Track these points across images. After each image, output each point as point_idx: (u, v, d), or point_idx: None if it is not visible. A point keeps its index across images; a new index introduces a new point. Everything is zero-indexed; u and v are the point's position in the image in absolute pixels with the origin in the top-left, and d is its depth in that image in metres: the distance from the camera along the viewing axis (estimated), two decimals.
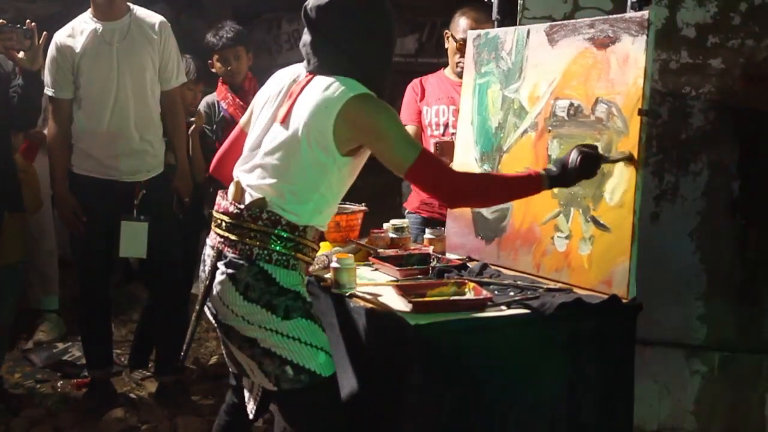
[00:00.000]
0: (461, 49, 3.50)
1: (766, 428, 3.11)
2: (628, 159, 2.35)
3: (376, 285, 2.55)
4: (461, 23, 3.57)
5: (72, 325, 4.39)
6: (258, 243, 2.22)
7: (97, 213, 3.62)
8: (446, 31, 3.68)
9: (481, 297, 2.29)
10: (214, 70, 4.12)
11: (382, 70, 2.31)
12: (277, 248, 2.22)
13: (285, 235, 2.22)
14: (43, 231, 4.54)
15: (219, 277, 2.26)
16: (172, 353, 3.65)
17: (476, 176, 2.52)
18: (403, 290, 2.34)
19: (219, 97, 4.09)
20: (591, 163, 2.30)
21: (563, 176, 2.29)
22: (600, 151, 2.35)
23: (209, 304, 2.32)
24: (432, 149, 3.51)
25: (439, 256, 2.83)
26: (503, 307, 2.28)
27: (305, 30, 2.31)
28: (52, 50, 3.57)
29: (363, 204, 3.14)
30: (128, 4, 3.65)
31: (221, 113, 4.05)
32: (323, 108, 2.19)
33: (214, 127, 4.06)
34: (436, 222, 3.31)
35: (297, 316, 2.22)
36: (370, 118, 2.20)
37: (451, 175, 2.29)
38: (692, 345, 3.11)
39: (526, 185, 2.33)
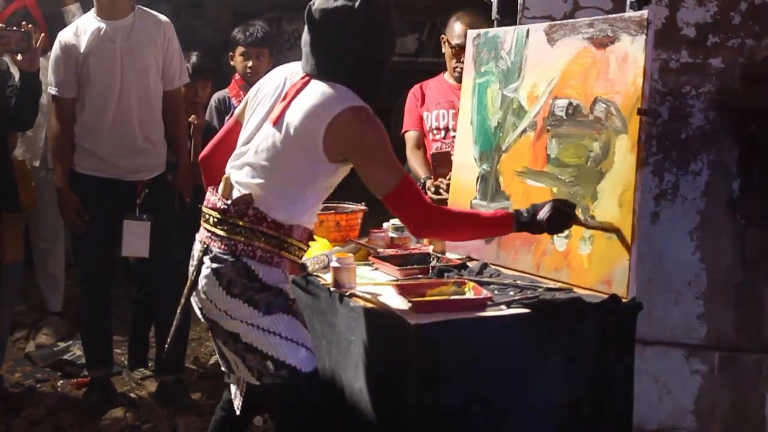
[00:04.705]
0: (457, 54, 3.52)
1: (766, 428, 3.11)
2: (606, 230, 2.37)
3: (376, 284, 2.55)
4: (456, 28, 3.56)
5: (73, 325, 4.38)
6: (243, 239, 2.23)
7: (99, 212, 3.61)
8: (442, 36, 3.67)
9: (481, 296, 2.29)
10: (232, 63, 4.08)
11: (377, 78, 2.31)
12: (262, 245, 2.23)
13: (270, 233, 2.23)
14: (53, 232, 4.52)
15: (204, 271, 2.28)
16: (172, 353, 3.64)
17: (449, 213, 2.46)
18: (403, 290, 2.34)
19: (231, 94, 4.06)
20: (560, 222, 2.33)
21: (531, 224, 2.32)
22: (579, 212, 2.39)
23: (195, 298, 2.34)
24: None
25: (439, 255, 2.83)
26: (503, 307, 2.28)
27: (306, 29, 2.31)
28: (56, 49, 3.57)
29: (363, 204, 3.15)
30: (132, 3, 3.65)
31: (231, 110, 4.03)
32: (315, 116, 2.19)
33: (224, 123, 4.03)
34: None
35: (278, 312, 2.24)
36: (358, 135, 2.19)
37: (425, 209, 2.27)
38: (692, 344, 3.11)
39: (497, 227, 2.37)
